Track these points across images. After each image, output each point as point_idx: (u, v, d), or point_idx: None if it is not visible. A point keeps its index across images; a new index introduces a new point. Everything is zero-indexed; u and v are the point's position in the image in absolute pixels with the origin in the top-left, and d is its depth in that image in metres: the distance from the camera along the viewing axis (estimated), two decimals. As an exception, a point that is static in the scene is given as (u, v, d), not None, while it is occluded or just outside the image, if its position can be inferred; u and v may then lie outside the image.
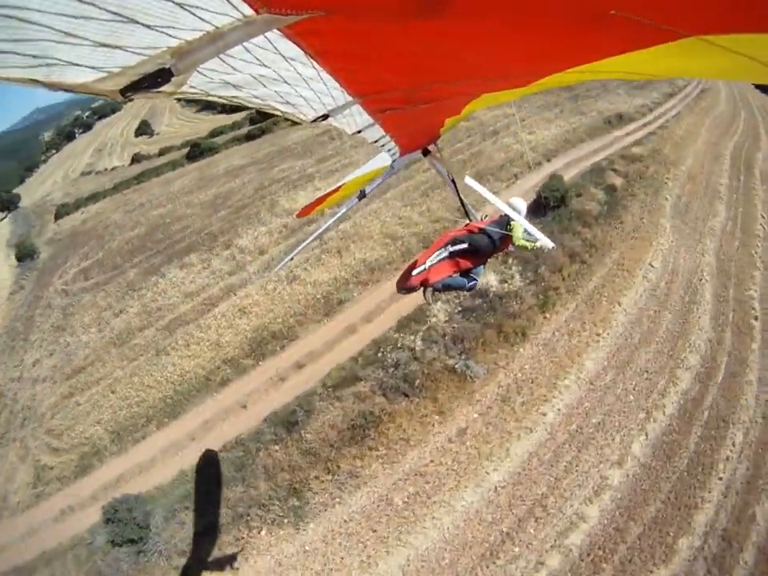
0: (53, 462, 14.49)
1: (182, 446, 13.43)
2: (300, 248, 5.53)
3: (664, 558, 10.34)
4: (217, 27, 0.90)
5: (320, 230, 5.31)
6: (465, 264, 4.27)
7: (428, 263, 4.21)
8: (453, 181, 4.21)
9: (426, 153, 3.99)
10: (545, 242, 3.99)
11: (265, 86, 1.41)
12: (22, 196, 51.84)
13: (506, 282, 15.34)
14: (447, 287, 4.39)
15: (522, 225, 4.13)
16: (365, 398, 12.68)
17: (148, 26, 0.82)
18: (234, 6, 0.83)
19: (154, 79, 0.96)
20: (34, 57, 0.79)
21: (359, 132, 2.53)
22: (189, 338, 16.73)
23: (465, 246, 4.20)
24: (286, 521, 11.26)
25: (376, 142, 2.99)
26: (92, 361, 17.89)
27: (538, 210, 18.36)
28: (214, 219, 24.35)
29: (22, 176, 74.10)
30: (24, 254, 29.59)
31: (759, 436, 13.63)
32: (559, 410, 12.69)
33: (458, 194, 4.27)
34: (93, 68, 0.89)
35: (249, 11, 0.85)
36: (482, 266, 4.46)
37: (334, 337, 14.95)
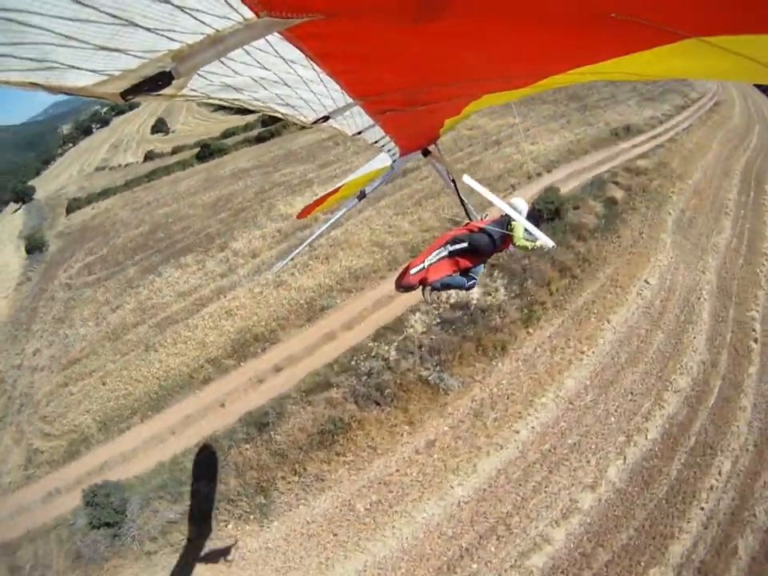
0: (44, 446, 15.02)
1: (162, 439, 13.78)
2: (300, 248, 5.45)
3: (631, 588, 9.97)
4: (217, 30, 0.89)
5: (319, 231, 5.24)
6: (464, 263, 4.23)
7: (427, 262, 4.19)
8: (453, 181, 4.22)
9: (426, 153, 4.00)
10: (545, 241, 3.93)
11: (265, 89, 1.41)
12: (37, 188, 52.73)
13: (490, 294, 15.12)
14: (446, 286, 4.35)
15: (522, 224, 4.08)
16: (336, 404, 12.70)
17: (148, 29, 0.81)
18: (235, 10, 0.83)
19: (154, 82, 0.95)
20: (34, 60, 0.79)
21: (359, 133, 2.52)
22: (177, 336, 17.10)
23: (465, 245, 4.17)
24: (252, 517, 11.46)
25: (376, 142, 3.00)
26: (87, 353, 18.46)
27: (530, 221, 18.06)
28: (213, 221, 24.78)
29: (38, 168, 75.16)
30: (33, 246, 30.20)
31: (749, 465, 13.00)
32: (533, 428, 12.40)
33: (458, 194, 4.29)
34: (93, 71, 0.88)
35: (249, 14, 0.85)
36: (481, 266, 4.42)
37: (314, 342, 15.04)
